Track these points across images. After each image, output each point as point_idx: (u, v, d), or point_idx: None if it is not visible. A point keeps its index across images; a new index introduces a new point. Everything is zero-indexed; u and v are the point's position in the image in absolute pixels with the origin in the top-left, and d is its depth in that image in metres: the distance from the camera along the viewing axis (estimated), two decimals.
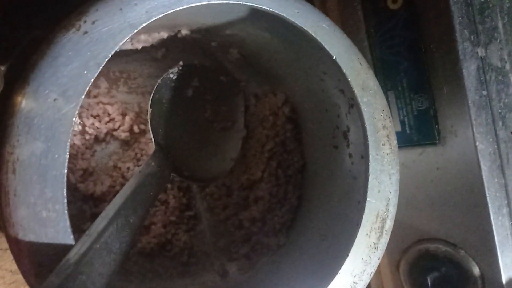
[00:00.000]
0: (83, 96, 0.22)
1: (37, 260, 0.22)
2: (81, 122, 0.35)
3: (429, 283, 0.42)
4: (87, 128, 0.35)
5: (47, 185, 0.21)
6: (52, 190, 0.21)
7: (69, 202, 0.35)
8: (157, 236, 0.38)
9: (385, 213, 0.29)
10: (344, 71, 0.27)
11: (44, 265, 0.21)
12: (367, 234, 0.29)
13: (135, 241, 0.36)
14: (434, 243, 0.42)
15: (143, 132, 0.38)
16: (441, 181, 0.40)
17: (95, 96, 0.35)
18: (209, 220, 0.40)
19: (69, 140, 0.22)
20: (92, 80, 0.22)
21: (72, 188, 0.35)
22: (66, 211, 0.22)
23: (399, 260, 0.45)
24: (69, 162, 0.35)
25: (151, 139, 0.34)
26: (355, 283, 0.28)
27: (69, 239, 0.22)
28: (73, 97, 0.21)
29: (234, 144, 0.39)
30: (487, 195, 0.38)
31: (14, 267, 0.35)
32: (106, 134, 0.37)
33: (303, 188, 0.40)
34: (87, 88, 0.22)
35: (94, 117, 0.36)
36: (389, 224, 0.29)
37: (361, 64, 0.28)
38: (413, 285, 0.44)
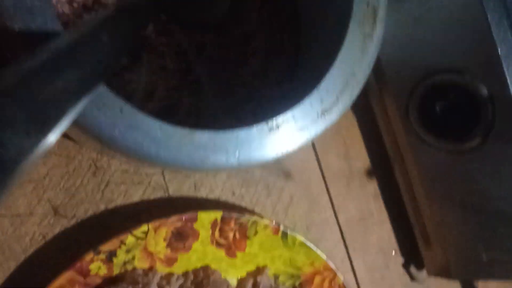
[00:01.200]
0: None
1: (29, 47, 0.22)
2: None
3: (437, 111, 0.41)
4: None
5: None
6: None
7: None
8: (162, 99, 0.38)
9: (376, 1, 0.29)
10: None
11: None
12: (360, 22, 0.28)
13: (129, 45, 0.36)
14: (439, 75, 0.42)
15: None
16: (438, 5, 0.40)
17: None
18: (210, 83, 0.40)
19: None
20: None
21: None
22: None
23: (407, 103, 0.44)
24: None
25: None
26: (353, 73, 0.28)
27: (58, 26, 0.22)
28: None
29: None
30: (485, 7, 0.37)
31: None
32: (94, 1, 0.37)
33: (300, 35, 0.40)
34: None
35: None
36: (381, 13, 0.29)
37: None
38: (423, 124, 0.44)
